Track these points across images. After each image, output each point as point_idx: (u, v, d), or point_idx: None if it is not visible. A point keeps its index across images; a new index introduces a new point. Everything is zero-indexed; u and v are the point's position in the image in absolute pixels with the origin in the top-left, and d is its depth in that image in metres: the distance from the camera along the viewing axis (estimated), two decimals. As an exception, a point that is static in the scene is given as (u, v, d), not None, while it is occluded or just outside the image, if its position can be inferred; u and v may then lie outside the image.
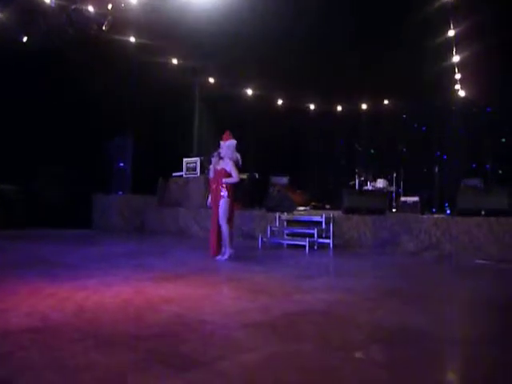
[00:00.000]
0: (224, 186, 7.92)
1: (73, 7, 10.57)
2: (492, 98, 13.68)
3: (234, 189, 8.05)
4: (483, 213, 8.94)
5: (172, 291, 5.29)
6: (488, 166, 14.42)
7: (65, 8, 10.59)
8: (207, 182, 9.07)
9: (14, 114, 12.53)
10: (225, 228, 7.87)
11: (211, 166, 8.34)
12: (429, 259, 8.70)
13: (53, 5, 10.42)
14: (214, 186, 8.12)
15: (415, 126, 15.91)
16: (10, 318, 4.03)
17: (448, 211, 11.65)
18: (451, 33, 11.44)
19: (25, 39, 11.48)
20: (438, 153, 15.60)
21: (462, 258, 8.57)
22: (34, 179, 13.89)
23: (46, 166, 13.78)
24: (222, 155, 8.10)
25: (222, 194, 7.90)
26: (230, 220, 7.99)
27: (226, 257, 7.93)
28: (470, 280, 6.80)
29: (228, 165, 7.99)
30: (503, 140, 14.38)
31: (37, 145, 13.00)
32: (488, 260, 8.25)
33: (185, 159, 13.84)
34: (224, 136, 8.20)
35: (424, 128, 15.73)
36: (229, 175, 7.95)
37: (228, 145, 8.07)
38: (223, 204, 7.88)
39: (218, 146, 8.20)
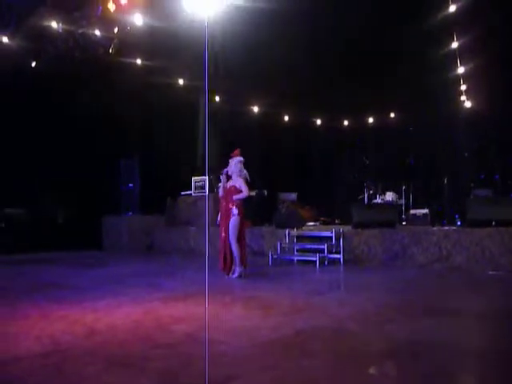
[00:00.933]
0: (234, 204, 7.92)
1: (80, 31, 10.73)
2: (498, 108, 13.65)
3: (243, 207, 8.04)
4: (494, 223, 8.87)
5: (182, 311, 5.28)
6: (497, 176, 14.35)
7: (72, 32, 10.74)
8: (217, 200, 9.07)
9: (22, 136, 12.64)
10: (235, 247, 7.86)
11: (221, 184, 8.37)
12: (440, 271, 8.62)
13: (60, 30, 10.57)
14: (223, 204, 8.13)
15: (423, 137, 15.87)
16: (20, 342, 4.03)
17: (459, 222, 11.57)
18: (455, 45, 11.46)
19: (33, 64, 11.65)
20: (447, 164, 15.53)
21: (474, 269, 8.48)
22: (41, 202, 13.96)
23: (53, 189, 13.86)
24: (229, 173, 8.13)
25: (232, 212, 7.90)
26: (240, 238, 7.97)
27: (236, 275, 7.90)
28: (483, 292, 6.72)
29: (237, 181, 8.02)
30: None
31: (43, 168, 13.10)
32: (500, 271, 8.17)
33: (193, 178, 13.89)
34: (233, 153, 8.24)
35: (432, 139, 15.67)
36: (239, 192, 7.95)
37: (236, 162, 8.10)
38: (233, 222, 7.88)
39: (228, 163, 8.23)
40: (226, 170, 8.23)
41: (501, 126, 14.16)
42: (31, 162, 12.85)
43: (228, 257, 8.00)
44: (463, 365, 3.53)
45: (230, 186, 8.05)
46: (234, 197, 7.92)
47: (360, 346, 3.90)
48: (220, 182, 8.43)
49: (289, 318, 4.87)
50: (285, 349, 3.82)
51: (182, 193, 14.17)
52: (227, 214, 7.96)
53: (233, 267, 8.03)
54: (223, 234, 8.08)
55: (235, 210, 7.89)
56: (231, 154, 8.25)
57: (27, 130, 12.75)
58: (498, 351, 3.74)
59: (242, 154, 8.25)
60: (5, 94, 11.72)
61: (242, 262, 7.99)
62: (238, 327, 4.53)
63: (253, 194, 14.04)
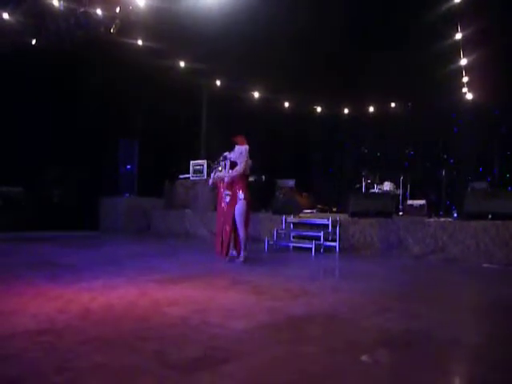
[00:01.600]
0: (241, 188, 7.85)
1: (81, 10, 10.62)
2: (499, 100, 13.63)
3: (249, 191, 7.96)
4: (490, 216, 8.90)
5: (177, 293, 5.30)
6: (495, 169, 14.38)
7: (73, 11, 10.64)
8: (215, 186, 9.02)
9: (20, 114, 12.59)
10: (242, 231, 7.85)
11: (213, 173, 8.34)
12: (435, 263, 8.67)
13: (61, 8, 10.47)
14: (222, 190, 8.12)
15: (422, 128, 15.86)
16: (16, 320, 4.05)
17: (455, 214, 11.61)
18: (458, 36, 11.40)
19: (34, 41, 11.55)
20: (445, 156, 15.56)
21: (469, 261, 8.52)
22: (39, 181, 13.94)
23: (52, 168, 13.83)
24: (232, 159, 8.03)
25: (238, 196, 7.84)
26: (246, 223, 7.94)
27: (241, 259, 7.89)
28: (477, 283, 6.78)
29: (239, 159, 7.90)
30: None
31: (43, 147, 13.06)
32: (495, 264, 8.21)
33: (192, 162, 13.87)
34: (239, 139, 8.08)
35: (431, 131, 15.66)
36: (242, 177, 7.88)
37: (242, 150, 7.97)
38: (240, 206, 7.83)
39: (232, 148, 8.11)
40: (226, 154, 8.15)
41: (501, 119, 14.17)
42: (30, 140, 12.80)
43: (225, 240, 7.96)
44: (455, 355, 3.57)
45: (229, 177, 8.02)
46: (227, 175, 7.89)
47: (353, 333, 3.93)
48: (217, 166, 8.38)
49: (283, 304, 4.90)
50: (278, 333, 3.85)
51: (181, 176, 14.17)
52: (233, 198, 7.91)
53: (231, 251, 8.01)
54: (222, 218, 8.06)
55: (241, 195, 7.83)
56: (235, 139, 8.10)
57: (26, 108, 12.69)
58: (490, 343, 3.78)
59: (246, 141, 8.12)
60: (5, 71, 11.65)
61: (241, 246, 7.98)
62: (232, 311, 4.56)
63: (251, 179, 14.08)
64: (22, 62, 11.76)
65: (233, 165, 8.08)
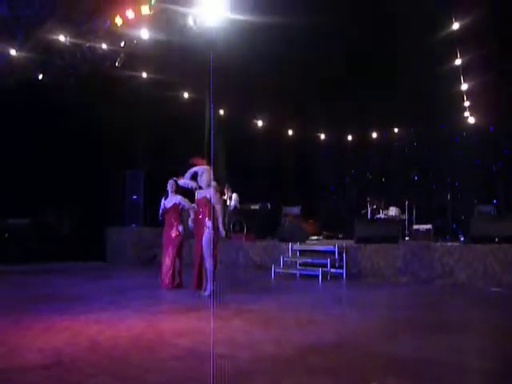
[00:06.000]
0: (207, 215, 7.32)
1: (87, 45, 10.86)
2: (501, 124, 13.71)
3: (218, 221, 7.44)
4: (497, 240, 8.87)
5: (184, 324, 5.29)
6: (501, 192, 14.35)
7: (79, 46, 10.88)
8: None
9: (27, 147, 12.74)
10: (208, 262, 7.27)
11: (163, 201, 8.40)
12: (443, 288, 8.60)
13: (67, 43, 10.71)
14: (198, 216, 7.66)
15: (426, 153, 15.91)
16: (24, 354, 4.05)
17: (462, 238, 11.56)
18: (458, 61, 11.53)
19: (40, 76, 11.78)
20: (450, 179, 15.57)
21: (477, 286, 8.46)
22: (46, 213, 14.00)
23: (58, 200, 13.91)
24: (200, 184, 7.62)
25: (206, 224, 7.32)
26: (214, 253, 7.39)
27: (207, 292, 7.25)
28: (486, 309, 6.71)
29: (208, 192, 7.51)
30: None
31: (49, 178, 13.16)
32: (503, 288, 8.15)
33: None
34: (198, 161, 7.68)
35: (435, 155, 15.71)
36: (209, 202, 7.40)
37: (202, 171, 7.55)
38: (207, 235, 7.31)
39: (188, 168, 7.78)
40: (175, 179, 8.09)
41: (505, 142, 14.22)
42: (36, 173, 12.92)
43: (202, 271, 7.54)
44: (467, 381, 3.54)
45: (201, 197, 7.61)
46: (208, 224, 7.29)
47: (361, 362, 3.91)
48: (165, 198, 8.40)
49: (291, 333, 4.88)
50: (286, 364, 3.83)
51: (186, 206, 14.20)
52: (199, 226, 7.49)
53: (204, 284, 7.48)
54: (197, 247, 7.60)
55: (209, 223, 7.30)
56: (195, 162, 7.67)
57: (33, 141, 12.85)
58: (498, 370, 3.75)
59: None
60: (11, 106, 11.85)
61: (214, 279, 7.35)
62: (239, 342, 4.54)
63: (256, 207, 14.13)
64: (28, 96, 11.97)
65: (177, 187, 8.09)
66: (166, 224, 8.53)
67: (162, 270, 8.35)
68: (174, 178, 8.30)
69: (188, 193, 8.46)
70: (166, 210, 8.47)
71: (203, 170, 7.57)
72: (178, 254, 8.44)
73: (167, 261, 8.30)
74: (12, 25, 10.49)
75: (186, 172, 7.84)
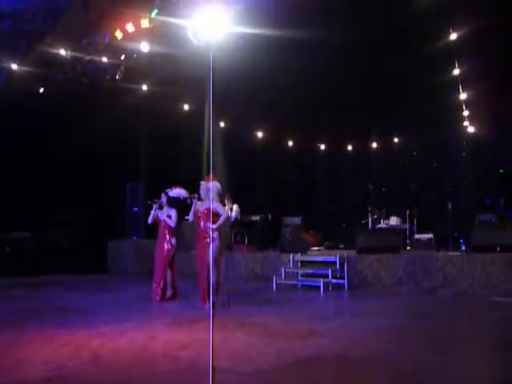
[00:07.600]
0: (215, 228, 7.41)
1: (87, 58, 10.93)
2: (501, 132, 13.74)
3: (224, 231, 7.63)
4: (498, 248, 8.85)
5: (187, 337, 5.28)
6: (502, 200, 14.33)
7: (80, 59, 10.95)
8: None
9: (28, 161, 12.78)
10: (215, 274, 7.29)
11: (152, 212, 8.45)
12: (445, 297, 8.57)
13: (68, 57, 10.79)
14: (201, 227, 7.68)
15: (426, 162, 15.92)
16: (27, 367, 4.05)
17: (463, 247, 11.54)
18: (456, 71, 11.60)
19: (41, 90, 11.85)
20: (451, 189, 15.57)
21: (479, 295, 8.43)
22: (47, 226, 14.01)
23: (59, 213, 13.93)
24: (202, 197, 7.74)
25: (213, 236, 7.37)
26: (218, 265, 7.47)
27: (210, 305, 6.93)
28: (488, 318, 6.69)
29: (213, 204, 7.51)
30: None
31: (50, 192, 13.19)
32: (506, 297, 8.11)
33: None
34: (208, 179, 7.72)
35: (435, 164, 15.73)
36: (216, 214, 7.47)
37: (214, 186, 7.60)
38: (214, 248, 7.34)
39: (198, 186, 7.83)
40: (167, 191, 8.21)
41: (505, 151, 14.23)
42: (37, 186, 12.95)
43: (208, 284, 7.30)
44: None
45: (206, 209, 7.56)
46: (213, 226, 7.35)
47: (364, 374, 3.90)
48: (156, 202, 8.44)
49: (292, 345, 4.87)
50: (288, 376, 3.82)
51: (186, 217, 14.20)
52: (206, 240, 7.44)
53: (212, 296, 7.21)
54: (201, 260, 7.56)
55: (215, 234, 7.38)
56: (206, 180, 7.74)
57: (33, 155, 12.89)
58: (501, 381, 3.73)
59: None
60: (12, 119, 11.90)
61: (217, 291, 7.43)
62: (241, 354, 4.53)
63: (256, 218, 14.12)
64: (29, 110, 12.03)
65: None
66: (160, 236, 8.55)
67: (153, 282, 8.35)
68: (167, 190, 8.35)
69: (183, 205, 8.47)
70: (159, 222, 8.50)
71: (215, 186, 7.67)
72: (170, 266, 8.44)
73: (158, 273, 8.30)
74: (14, 39, 10.59)
75: (198, 188, 7.87)
